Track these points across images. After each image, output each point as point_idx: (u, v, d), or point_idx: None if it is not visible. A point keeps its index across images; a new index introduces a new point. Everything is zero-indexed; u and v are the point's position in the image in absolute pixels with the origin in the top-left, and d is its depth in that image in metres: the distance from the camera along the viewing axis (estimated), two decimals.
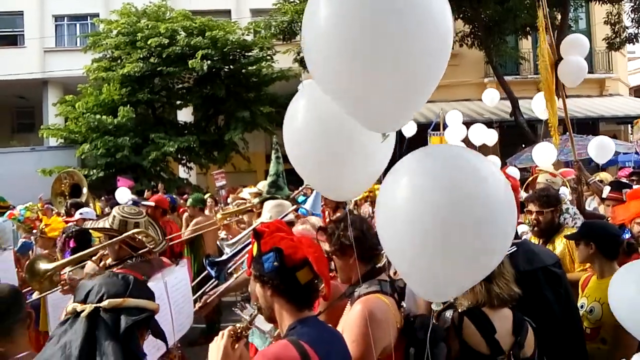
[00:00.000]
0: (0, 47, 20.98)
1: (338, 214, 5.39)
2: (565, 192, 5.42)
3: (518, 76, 17.38)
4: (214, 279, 3.50)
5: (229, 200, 9.00)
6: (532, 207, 3.67)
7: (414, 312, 2.25)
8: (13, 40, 21.31)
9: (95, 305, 1.53)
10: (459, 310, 2.21)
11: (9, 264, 4.16)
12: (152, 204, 6.82)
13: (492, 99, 10.71)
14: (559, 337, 2.50)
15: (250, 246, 3.59)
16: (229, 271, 3.65)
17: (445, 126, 9.96)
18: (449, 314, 1.90)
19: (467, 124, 9.72)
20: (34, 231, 5.77)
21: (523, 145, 12.57)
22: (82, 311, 1.52)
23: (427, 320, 2.06)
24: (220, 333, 1.77)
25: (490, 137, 9.20)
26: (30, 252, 5.22)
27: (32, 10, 20.82)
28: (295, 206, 4.04)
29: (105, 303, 1.53)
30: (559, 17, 13.04)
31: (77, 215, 6.12)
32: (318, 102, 1.70)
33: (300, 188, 7.96)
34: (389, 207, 1.54)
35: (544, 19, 4.59)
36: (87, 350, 1.45)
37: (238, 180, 15.28)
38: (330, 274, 2.30)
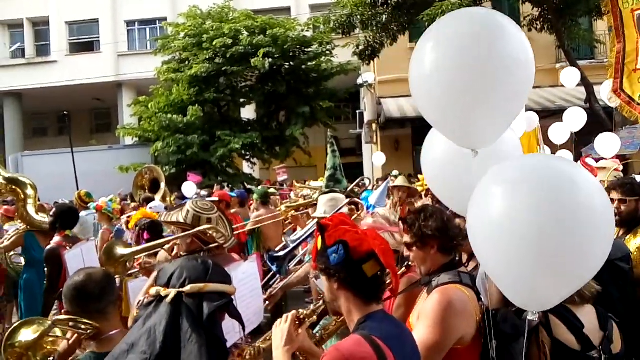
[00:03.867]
0: (78, 53, 22.58)
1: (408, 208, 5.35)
2: None
3: (593, 60, 16.22)
4: (275, 274, 3.56)
5: (292, 195, 9.15)
6: (614, 195, 3.46)
7: (486, 304, 2.21)
8: (90, 47, 22.83)
9: (178, 290, 1.54)
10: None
11: (92, 254, 4.38)
12: (216, 199, 7.07)
13: (571, 80, 9.71)
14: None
15: (312, 240, 3.66)
16: (290, 266, 3.70)
17: None
18: (531, 313, 1.84)
19: (539, 112, 9.21)
20: (121, 220, 6.23)
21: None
22: (166, 295, 1.54)
23: (510, 314, 2.01)
24: (284, 316, 1.80)
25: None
26: (123, 238, 5.60)
27: (106, 17, 22.15)
28: (348, 199, 4.00)
29: (187, 288, 1.54)
30: None
31: (147, 210, 6.52)
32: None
33: (357, 180, 7.96)
34: (485, 219, 1.56)
35: None
36: (171, 335, 1.47)
37: (299, 174, 15.50)
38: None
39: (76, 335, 2.03)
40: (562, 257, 1.42)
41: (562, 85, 11.21)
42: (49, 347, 2.28)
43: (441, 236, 2.13)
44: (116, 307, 2.12)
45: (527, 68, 1.71)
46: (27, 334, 2.26)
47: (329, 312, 1.86)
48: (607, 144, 6.26)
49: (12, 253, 5.73)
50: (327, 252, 1.69)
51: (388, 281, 1.78)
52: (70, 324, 2.00)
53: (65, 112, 14.04)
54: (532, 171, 1.53)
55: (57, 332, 2.25)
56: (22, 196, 5.63)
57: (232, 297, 1.67)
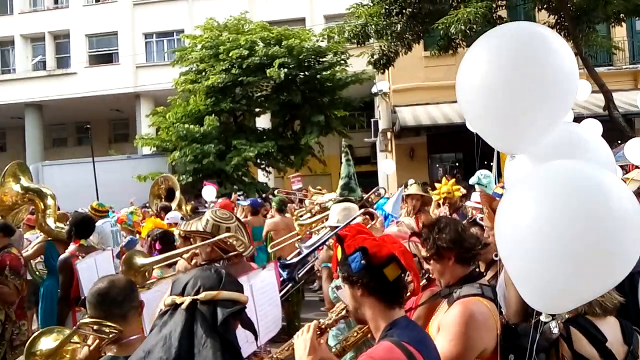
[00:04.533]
0: (98, 65, 23.06)
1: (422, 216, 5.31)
2: None
3: (611, 67, 15.99)
4: (286, 281, 3.56)
5: (306, 202, 9.19)
6: None
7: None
8: (109, 58, 23.31)
9: (192, 297, 1.58)
10: (562, 321, 2.06)
11: (108, 263, 4.44)
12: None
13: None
14: None
15: (325, 247, 3.65)
16: (300, 274, 3.70)
17: None
18: (553, 324, 1.81)
19: None
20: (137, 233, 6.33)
21: (619, 142, 11.56)
22: (181, 303, 1.58)
23: (530, 329, 1.99)
24: (306, 326, 1.79)
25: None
26: (136, 248, 5.69)
27: (125, 29, 22.61)
28: (363, 209, 3.99)
29: (202, 295, 1.58)
30: None
31: (165, 220, 6.63)
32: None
33: (373, 190, 7.93)
34: (513, 224, 1.55)
35: None
36: (186, 341, 1.51)
37: (314, 183, 15.51)
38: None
39: (97, 340, 2.08)
40: (588, 262, 1.41)
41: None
42: (68, 356, 2.34)
43: (457, 247, 2.11)
44: (137, 313, 2.18)
45: (571, 79, 1.75)
46: (47, 342, 2.34)
47: (355, 321, 1.85)
48: (638, 149, 6.01)
49: (37, 260, 5.83)
50: (348, 260, 1.70)
51: (409, 283, 1.79)
52: (95, 327, 2.06)
53: (87, 126, 14.41)
54: (562, 176, 1.53)
55: (76, 340, 2.30)
56: (42, 207, 5.71)
57: (246, 305, 1.70)
